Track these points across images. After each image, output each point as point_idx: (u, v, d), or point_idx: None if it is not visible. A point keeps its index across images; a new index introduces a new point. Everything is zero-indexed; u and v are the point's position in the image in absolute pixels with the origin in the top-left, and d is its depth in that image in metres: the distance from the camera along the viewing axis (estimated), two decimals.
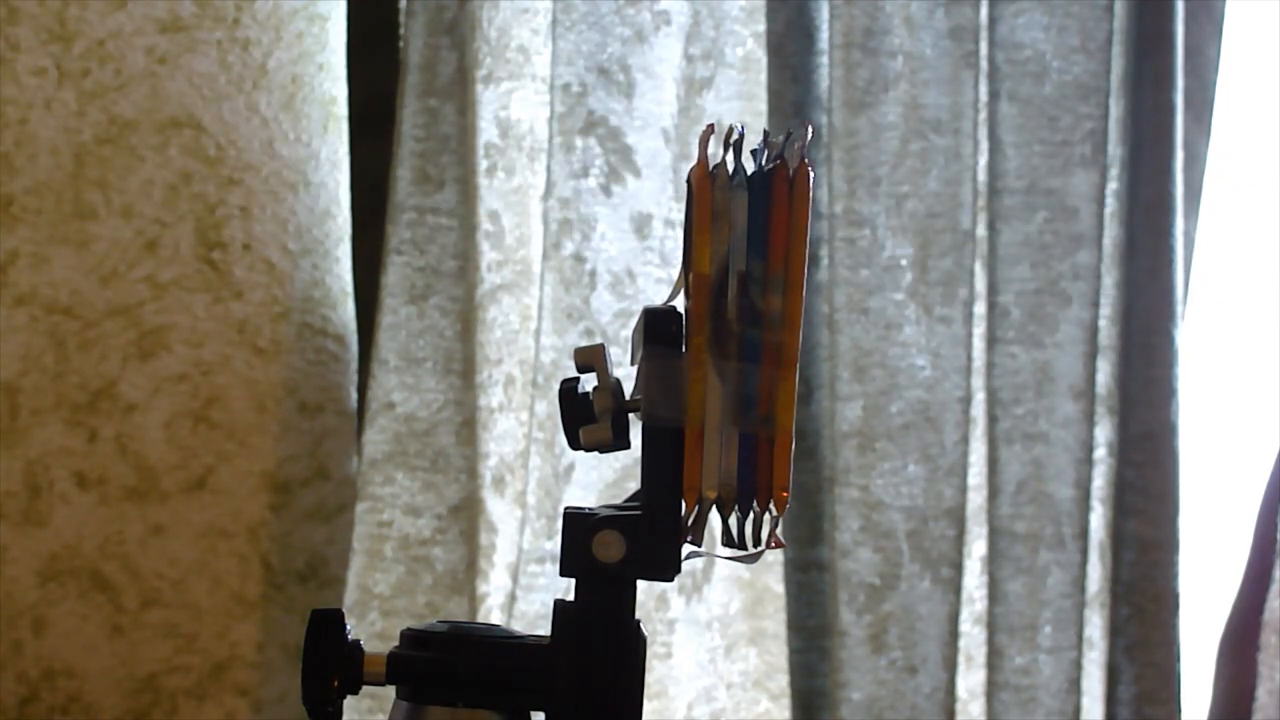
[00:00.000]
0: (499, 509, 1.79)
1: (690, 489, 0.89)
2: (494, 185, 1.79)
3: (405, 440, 1.78)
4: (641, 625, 0.93)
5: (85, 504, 1.79)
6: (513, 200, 1.81)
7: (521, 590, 1.77)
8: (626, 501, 0.94)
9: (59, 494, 1.78)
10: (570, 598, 0.93)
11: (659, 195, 1.83)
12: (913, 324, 1.90)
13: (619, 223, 1.82)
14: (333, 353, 1.85)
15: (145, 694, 1.80)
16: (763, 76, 1.89)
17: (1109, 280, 2.01)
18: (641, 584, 0.92)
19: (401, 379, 1.78)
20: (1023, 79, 1.96)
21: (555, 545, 1.75)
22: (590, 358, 0.93)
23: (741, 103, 1.89)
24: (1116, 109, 2.00)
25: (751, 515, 0.90)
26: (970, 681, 2.00)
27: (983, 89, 1.94)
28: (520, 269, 1.81)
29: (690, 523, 0.90)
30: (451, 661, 0.94)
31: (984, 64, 1.94)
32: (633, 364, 0.93)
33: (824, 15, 1.90)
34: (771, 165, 0.89)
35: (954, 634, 1.92)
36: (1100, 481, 2.02)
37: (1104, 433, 2.02)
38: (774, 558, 1.92)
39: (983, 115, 1.94)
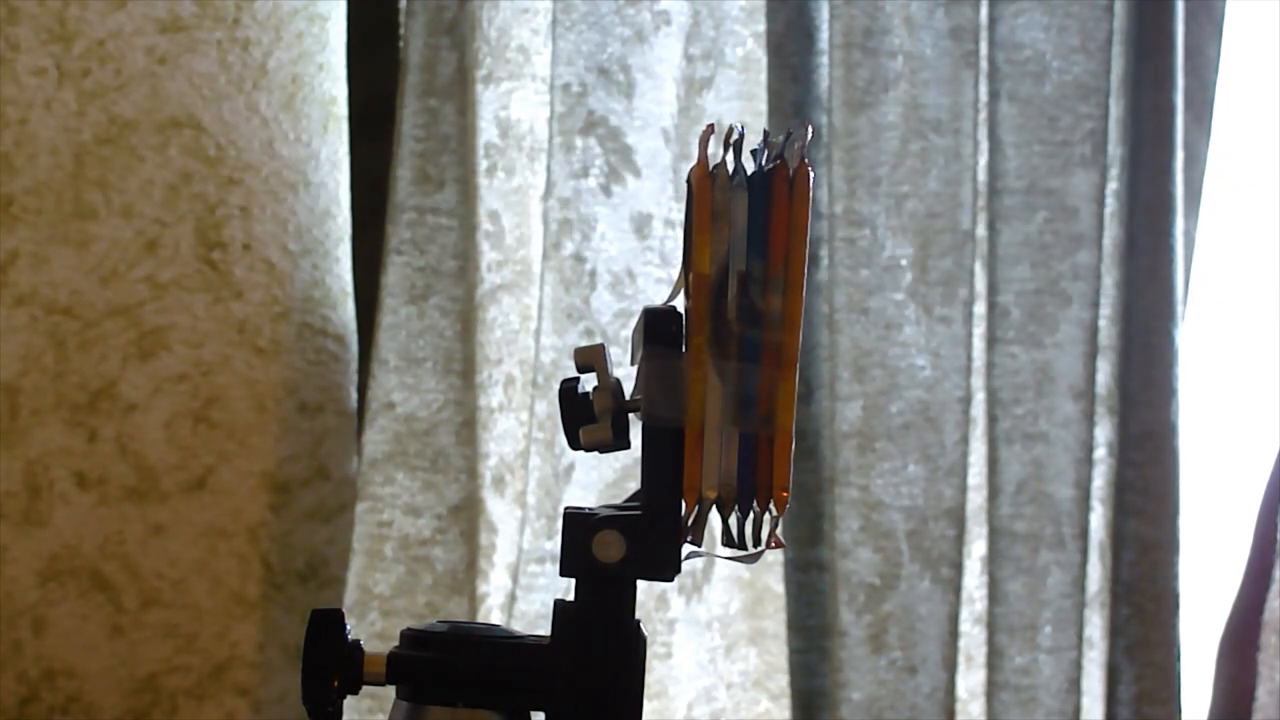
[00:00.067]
0: (499, 509, 1.79)
1: (690, 489, 0.89)
2: (494, 185, 1.79)
3: (405, 440, 1.78)
4: (641, 625, 0.93)
5: (85, 504, 1.79)
6: (513, 200, 1.81)
7: (521, 590, 1.77)
8: (626, 501, 0.94)
9: (59, 494, 1.78)
10: (570, 598, 0.93)
11: (659, 195, 1.83)
12: (913, 324, 1.90)
13: (619, 223, 1.82)
14: (333, 353, 1.85)
15: (145, 694, 1.80)
16: (763, 76, 1.89)
17: (1109, 280, 2.01)
18: (641, 584, 0.92)
19: (401, 379, 1.78)
20: (1023, 79, 1.96)
21: (555, 545, 1.75)
22: (590, 358, 0.93)
23: (741, 103, 1.89)
24: (1116, 109, 2.00)
25: (751, 515, 0.90)
26: (970, 681, 2.00)
27: (983, 89, 1.94)
28: (520, 269, 1.81)
29: (690, 523, 0.90)
30: (451, 661, 0.94)
31: (984, 64, 1.94)
32: (633, 364, 0.93)
33: (824, 15, 1.90)
34: (771, 165, 0.89)
35: (954, 634, 1.92)
36: (1100, 481, 2.02)
37: (1104, 433, 2.02)
38: (774, 558, 1.92)
39: (983, 115, 1.94)
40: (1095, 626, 2.03)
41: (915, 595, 1.90)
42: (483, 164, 1.78)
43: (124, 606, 1.80)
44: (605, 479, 1.81)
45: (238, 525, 1.82)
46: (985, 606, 1.99)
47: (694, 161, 0.89)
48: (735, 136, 0.88)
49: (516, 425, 1.80)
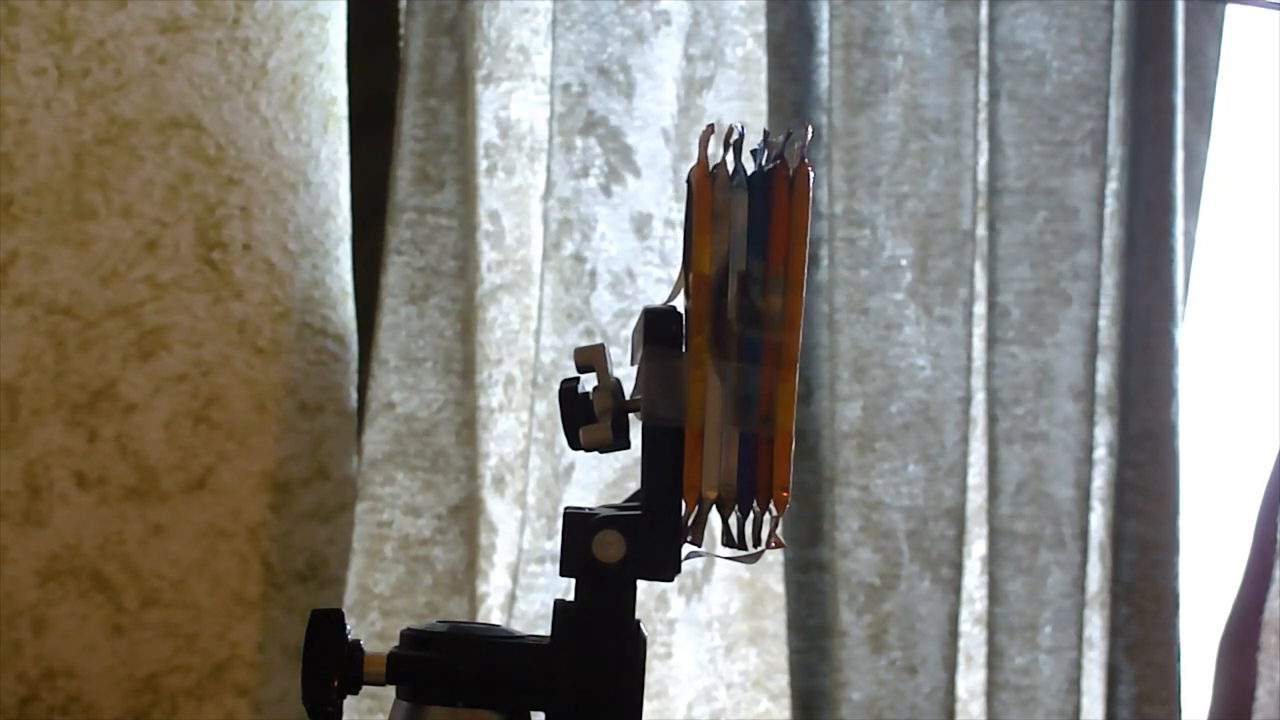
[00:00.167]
0: (499, 509, 1.79)
1: (690, 489, 0.89)
2: (494, 185, 1.79)
3: (405, 440, 1.78)
4: (641, 625, 0.93)
5: (85, 504, 1.79)
6: (513, 200, 1.81)
7: (521, 590, 1.77)
8: (626, 501, 0.94)
9: (59, 494, 1.78)
10: (570, 598, 0.93)
11: (659, 195, 1.83)
12: (913, 324, 1.90)
13: (619, 223, 1.82)
14: (333, 353, 1.85)
15: (145, 694, 1.80)
16: (763, 76, 1.89)
17: (1109, 280, 2.01)
18: (641, 584, 0.92)
19: (401, 379, 1.78)
20: (1023, 79, 1.96)
21: (555, 545, 1.75)
22: (590, 358, 0.93)
23: (741, 103, 1.89)
24: (1116, 109, 2.01)
25: (751, 515, 0.90)
26: (970, 681, 2.00)
27: (983, 89, 1.94)
28: (520, 269, 1.81)
29: (690, 523, 0.90)
30: (451, 661, 0.94)
31: (984, 64, 1.94)
32: (633, 364, 0.93)
33: (824, 15, 1.90)
34: (771, 165, 0.89)
35: (954, 634, 1.92)
36: (1100, 481, 2.02)
37: (1104, 433, 2.02)
38: (774, 558, 1.92)
39: (983, 115, 1.94)
40: (1095, 626, 2.03)
41: (915, 595, 1.90)
42: (483, 164, 1.78)
43: (124, 606, 1.80)
44: (605, 479, 1.81)
45: (238, 525, 1.82)
46: (985, 606, 1.99)
47: (694, 161, 0.89)
48: (735, 136, 0.88)
49: (516, 425, 1.80)
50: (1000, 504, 1.97)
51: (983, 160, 1.95)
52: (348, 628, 0.94)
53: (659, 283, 1.83)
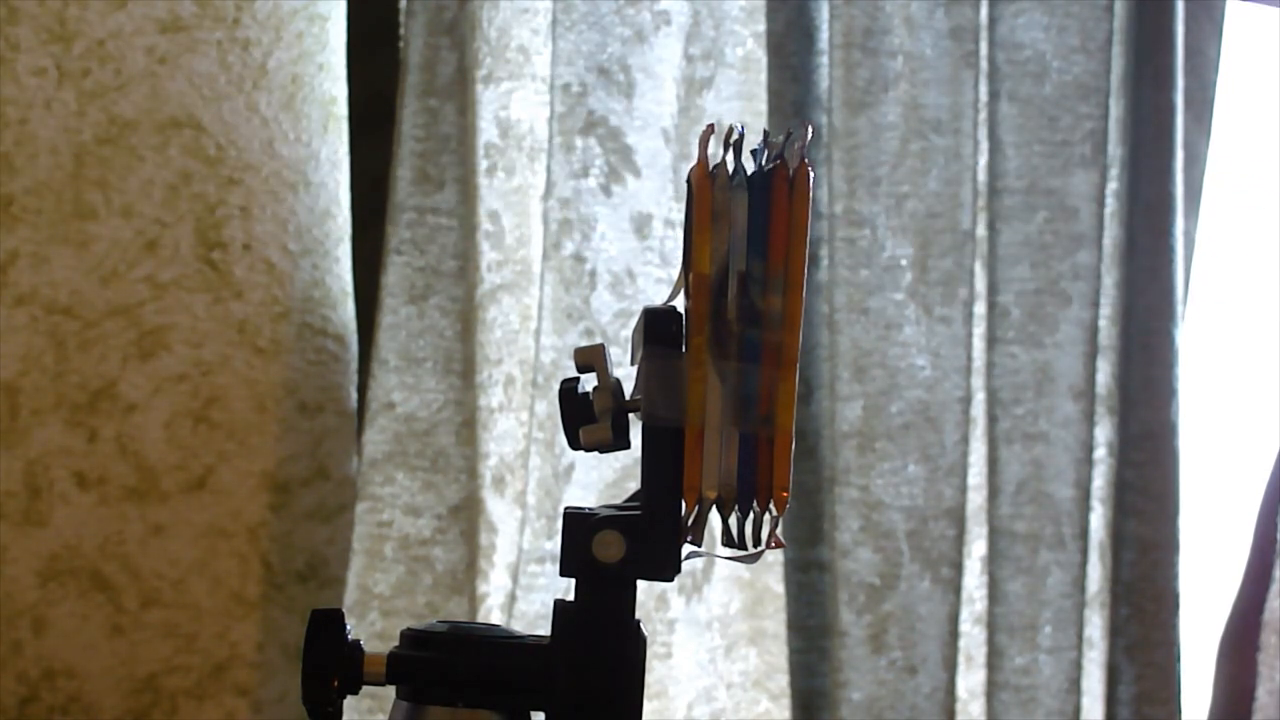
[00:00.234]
0: (499, 509, 1.79)
1: (690, 489, 0.89)
2: (494, 185, 1.79)
3: (405, 440, 1.78)
4: (641, 625, 0.93)
5: (85, 504, 1.79)
6: (513, 200, 1.81)
7: (521, 590, 1.77)
8: (626, 501, 0.94)
9: (59, 494, 1.78)
10: (570, 598, 0.93)
11: (659, 195, 1.83)
12: (913, 324, 1.90)
13: (619, 223, 1.82)
14: (333, 353, 1.85)
15: (145, 694, 1.80)
16: (763, 76, 1.89)
17: (1109, 280, 2.01)
18: (641, 584, 0.92)
19: (401, 379, 1.78)
20: (1023, 79, 1.96)
21: (555, 545, 1.75)
22: (590, 358, 0.93)
23: (741, 103, 1.89)
24: (1116, 109, 2.01)
25: (751, 515, 0.90)
26: (970, 681, 2.00)
27: (983, 89, 1.94)
28: (520, 269, 1.81)
29: (690, 523, 0.90)
30: (451, 661, 0.94)
31: (984, 64, 1.94)
32: (633, 364, 0.93)
33: (824, 15, 1.90)
34: (771, 165, 0.89)
35: (954, 634, 1.92)
36: (1100, 481, 2.02)
37: (1104, 433, 2.02)
38: (774, 558, 1.92)
39: (983, 115, 1.94)
40: (1095, 626, 2.03)
41: (915, 595, 1.90)
42: (483, 164, 1.78)
43: (124, 606, 1.80)
44: (605, 479, 1.81)
45: (238, 525, 1.82)
46: (985, 606, 1.99)
47: (694, 161, 0.89)
48: (735, 136, 0.88)
49: (516, 425, 1.80)
50: (1000, 504, 1.97)
51: (983, 160, 1.95)
52: (348, 628, 0.94)
53: (659, 283, 1.83)
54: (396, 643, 0.95)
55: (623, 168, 1.81)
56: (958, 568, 1.92)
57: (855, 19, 1.87)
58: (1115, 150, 2.01)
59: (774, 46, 1.89)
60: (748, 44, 1.89)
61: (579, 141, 1.79)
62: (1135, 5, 2.03)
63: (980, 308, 1.95)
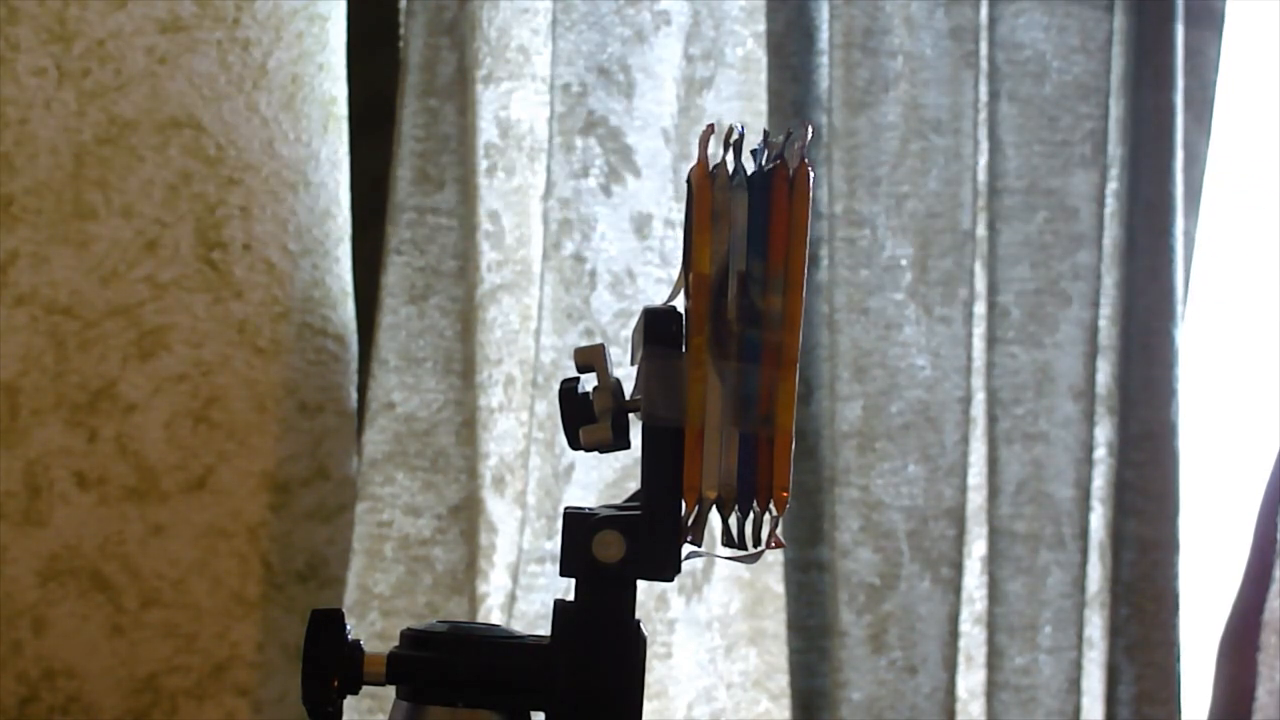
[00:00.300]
0: (499, 509, 1.79)
1: (690, 489, 0.89)
2: (494, 185, 1.79)
3: (405, 440, 1.78)
4: (641, 625, 0.93)
5: (85, 504, 1.79)
6: (513, 200, 1.81)
7: (521, 590, 1.77)
8: (626, 501, 0.94)
9: (59, 494, 1.78)
10: (570, 598, 0.93)
11: (659, 195, 1.83)
12: (913, 324, 1.90)
13: (619, 223, 1.82)
14: (333, 353, 1.85)
15: (145, 694, 1.80)
16: (763, 76, 1.89)
17: (1109, 280, 2.01)
18: (641, 584, 0.92)
19: (401, 379, 1.78)
20: (1023, 79, 1.96)
21: (555, 545, 1.75)
22: (590, 358, 0.93)
23: (741, 103, 1.89)
24: (1116, 109, 2.01)
25: (751, 515, 0.90)
26: (970, 681, 2.00)
27: (983, 89, 1.94)
28: (520, 269, 1.81)
29: (690, 523, 0.90)
30: (451, 661, 0.94)
31: (984, 64, 1.94)
32: (633, 364, 0.93)
33: (824, 15, 1.90)
34: (771, 165, 0.89)
35: (954, 634, 1.92)
36: (1100, 481, 2.02)
37: (1104, 433, 2.02)
38: (774, 558, 1.92)
39: (983, 115, 1.94)
40: (1095, 626, 2.03)
41: (915, 595, 1.90)
42: (483, 164, 1.78)
43: (124, 606, 1.80)
44: (605, 479, 1.81)
45: (238, 525, 1.82)
46: (985, 606, 1.99)
47: (694, 161, 0.89)
48: (735, 136, 0.88)
49: (516, 425, 1.80)
50: (1000, 504, 1.97)
51: (983, 160, 1.95)
52: (348, 628, 0.94)
53: (659, 283, 1.83)
54: (396, 643, 0.95)
55: (623, 168, 1.81)
56: (958, 568, 1.92)
57: (855, 19, 1.87)
58: (1115, 150, 2.01)
59: (774, 46, 1.89)
60: (748, 44, 1.89)
61: (579, 141, 1.79)
62: (1135, 5, 2.03)
63: (980, 308, 1.95)
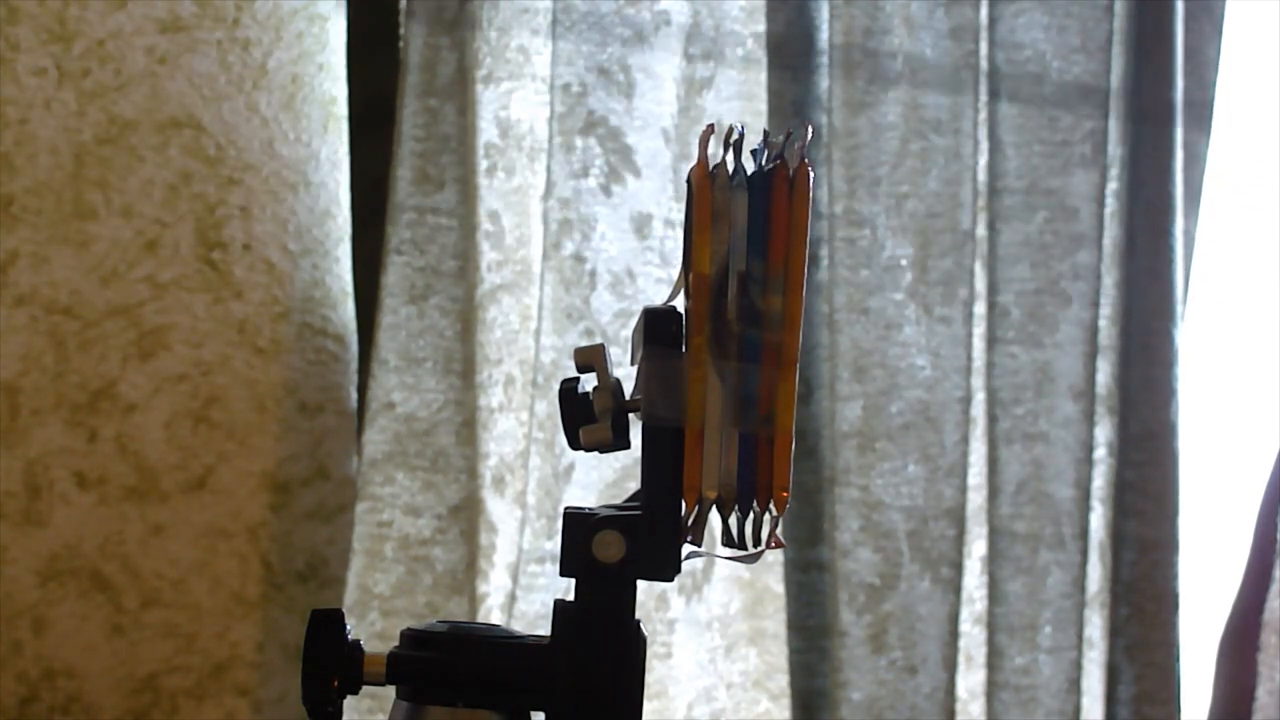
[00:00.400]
0: (499, 509, 1.79)
1: (690, 489, 0.89)
2: (494, 185, 1.79)
3: (405, 440, 1.78)
4: (641, 625, 0.93)
5: (85, 504, 1.79)
6: (513, 200, 1.81)
7: (521, 590, 1.77)
8: (626, 501, 0.94)
9: (59, 494, 1.78)
10: (570, 598, 0.93)
11: (659, 195, 1.83)
12: (913, 324, 1.90)
13: (619, 223, 1.82)
14: (333, 353, 1.85)
15: (145, 694, 1.80)
16: (763, 76, 1.89)
17: (1109, 280, 2.01)
18: (641, 584, 0.92)
19: (401, 379, 1.78)
20: (1023, 79, 1.96)
21: (555, 545, 1.75)
22: (590, 358, 0.93)
23: (741, 103, 1.89)
24: (1116, 109, 2.01)
25: (751, 515, 0.90)
26: (970, 681, 2.00)
27: (983, 89, 1.94)
28: (520, 269, 1.81)
29: (690, 523, 0.90)
30: (451, 661, 0.94)
31: (984, 64, 1.94)
32: (633, 364, 0.93)
33: (824, 15, 1.90)
34: (771, 165, 0.89)
35: (954, 634, 1.92)
36: (1100, 481, 2.02)
37: (1104, 433, 2.02)
38: (774, 558, 1.92)
39: (983, 115, 1.94)
40: (1095, 626, 2.03)
41: (915, 595, 1.90)
42: (483, 164, 1.78)
43: (124, 606, 1.80)
44: (605, 479, 1.81)
45: (238, 525, 1.82)
46: (985, 606, 1.99)
47: (694, 161, 0.89)
48: (735, 136, 0.88)
49: (516, 425, 1.80)
50: (1000, 504, 1.97)
51: (983, 160, 1.95)
52: (348, 628, 0.94)
53: (659, 283, 1.83)
54: (396, 643, 0.95)
55: (623, 168, 1.81)
56: (958, 568, 1.92)
57: (855, 19, 1.87)
58: (1115, 150, 2.01)
59: (774, 46, 1.89)
60: (748, 44, 1.89)
61: (579, 141, 1.79)
62: (1135, 5, 2.03)
63: (980, 308, 1.95)
